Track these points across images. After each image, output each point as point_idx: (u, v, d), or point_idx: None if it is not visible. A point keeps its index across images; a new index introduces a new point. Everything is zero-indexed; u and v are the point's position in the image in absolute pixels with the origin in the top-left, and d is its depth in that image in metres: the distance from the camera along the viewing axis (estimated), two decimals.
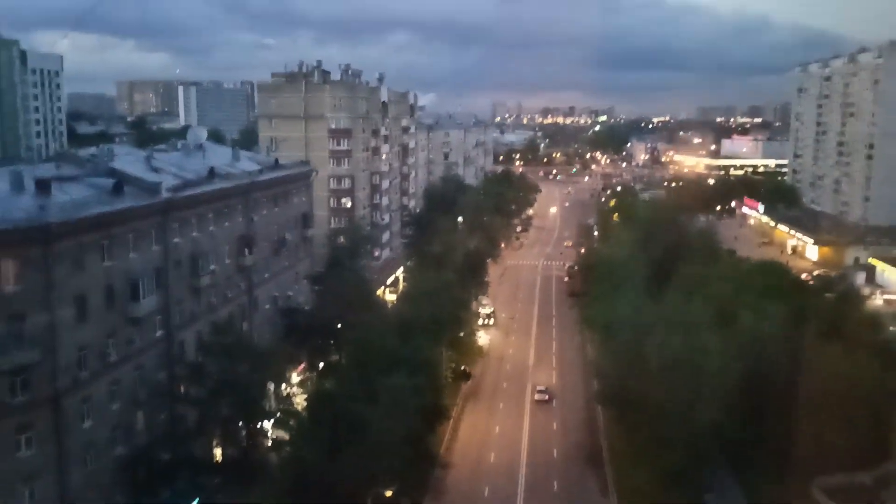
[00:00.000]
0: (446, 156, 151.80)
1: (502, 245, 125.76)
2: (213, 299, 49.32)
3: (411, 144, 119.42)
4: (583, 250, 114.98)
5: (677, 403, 41.81)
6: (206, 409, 41.02)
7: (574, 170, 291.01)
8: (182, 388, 42.80)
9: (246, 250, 53.86)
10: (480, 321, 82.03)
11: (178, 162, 52.10)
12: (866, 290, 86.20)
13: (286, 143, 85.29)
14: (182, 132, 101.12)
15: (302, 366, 58.33)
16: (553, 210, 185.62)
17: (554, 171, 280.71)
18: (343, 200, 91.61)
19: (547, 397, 64.89)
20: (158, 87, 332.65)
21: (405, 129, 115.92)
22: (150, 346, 41.56)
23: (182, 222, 45.36)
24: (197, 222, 47.45)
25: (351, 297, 59.60)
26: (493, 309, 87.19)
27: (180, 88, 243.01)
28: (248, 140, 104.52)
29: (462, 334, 69.65)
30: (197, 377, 41.88)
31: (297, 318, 59.82)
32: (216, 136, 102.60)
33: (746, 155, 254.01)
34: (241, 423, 43.24)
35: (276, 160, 68.31)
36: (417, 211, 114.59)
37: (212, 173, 51.26)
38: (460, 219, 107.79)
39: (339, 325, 58.33)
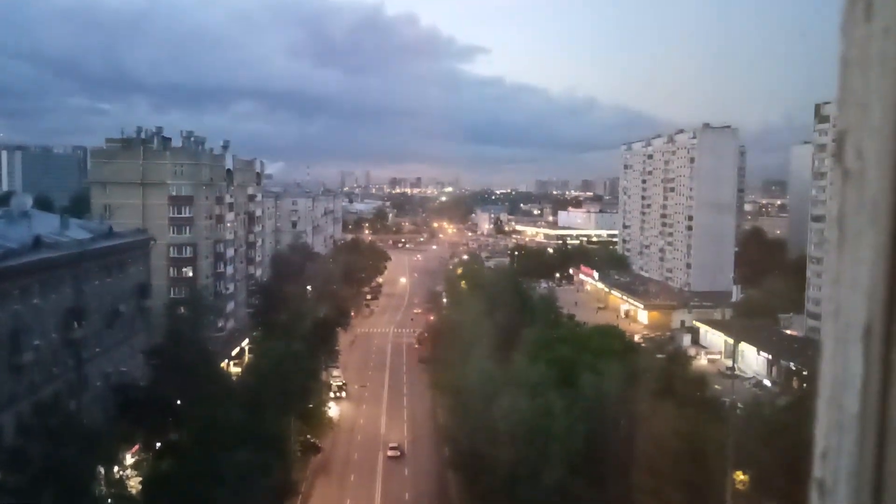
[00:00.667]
0: (294, 224, 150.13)
1: (352, 313, 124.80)
2: (36, 377, 45.44)
3: (258, 212, 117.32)
4: (432, 317, 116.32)
5: (526, 465, 42.70)
6: (27, 499, 37.24)
7: (422, 238, 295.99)
8: None
9: (75, 323, 50.32)
10: (332, 394, 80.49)
11: None
12: (692, 351, 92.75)
13: (122, 211, 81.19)
14: (5, 199, 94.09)
15: (137, 446, 54.52)
16: (403, 277, 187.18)
17: (403, 240, 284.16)
18: (184, 270, 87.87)
19: (399, 453, 66.08)
20: None
21: (251, 197, 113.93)
22: None
23: (2, 294, 41.89)
24: (20, 294, 43.97)
25: (192, 370, 56.81)
26: (344, 381, 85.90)
27: (3, 153, 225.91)
28: (80, 207, 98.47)
29: (311, 406, 67.98)
30: (17, 463, 38.10)
31: (131, 395, 56.06)
32: (44, 204, 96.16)
33: (581, 225, 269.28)
34: None
35: (111, 228, 64.96)
36: (264, 280, 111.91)
37: (37, 242, 47.95)
38: (309, 287, 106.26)
39: (178, 401, 55.22)
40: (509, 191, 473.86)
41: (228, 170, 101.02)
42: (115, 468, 47.18)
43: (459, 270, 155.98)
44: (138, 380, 60.44)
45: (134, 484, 46.57)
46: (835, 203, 1.24)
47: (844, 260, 1.17)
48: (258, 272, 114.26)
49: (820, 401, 1.21)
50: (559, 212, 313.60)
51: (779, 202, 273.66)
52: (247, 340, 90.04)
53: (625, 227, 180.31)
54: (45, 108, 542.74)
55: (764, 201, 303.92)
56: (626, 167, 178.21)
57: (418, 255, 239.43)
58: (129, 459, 51.91)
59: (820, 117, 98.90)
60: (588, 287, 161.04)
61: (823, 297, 1.30)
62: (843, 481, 1.14)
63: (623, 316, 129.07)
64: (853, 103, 1.17)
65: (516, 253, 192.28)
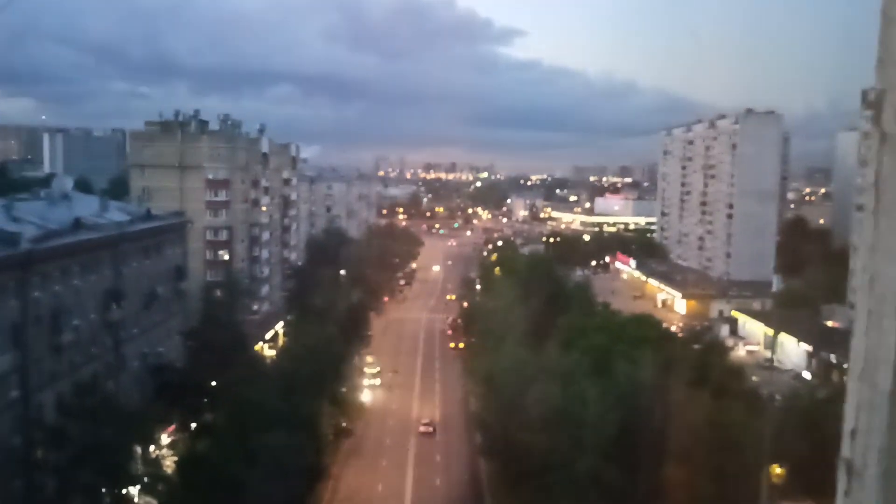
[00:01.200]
0: (329, 208, 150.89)
1: (386, 298, 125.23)
2: (76, 357, 46.23)
3: (293, 196, 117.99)
4: (465, 303, 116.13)
5: (558, 453, 42.36)
6: (66, 476, 38.03)
7: (456, 224, 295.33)
8: (40, 454, 39.63)
9: (113, 305, 51.03)
10: (366, 381, 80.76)
11: (41, 212, 49.20)
12: (730, 342, 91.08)
13: (160, 194, 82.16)
14: (46, 181, 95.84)
15: (173, 426, 55.32)
16: (436, 264, 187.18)
17: (437, 225, 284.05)
18: (220, 253, 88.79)
19: (432, 429, 67.70)
20: (21, 133, 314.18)
21: (287, 181, 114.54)
22: (5, 409, 38.32)
23: (44, 275, 42.58)
24: (60, 275, 44.67)
25: (227, 352, 57.41)
26: (378, 368, 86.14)
27: (45, 135, 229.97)
28: (118, 190, 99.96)
29: (344, 390, 68.32)
30: (57, 441, 38.92)
31: (168, 376, 56.87)
32: (84, 186, 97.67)
33: (618, 213, 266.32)
34: (104, 490, 40.31)
35: (149, 210, 65.74)
36: (299, 264, 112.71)
37: (78, 224, 48.66)
38: (343, 272, 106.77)
39: (213, 383, 55.89)
40: (545, 176, 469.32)
41: (264, 153, 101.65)
42: (152, 447, 47.96)
43: (493, 257, 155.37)
44: (175, 361, 61.26)
45: (170, 463, 47.28)
46: (871, 168, 1.15)
47: (881, 227, 1.07)
48: (293, 256, 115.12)
49: (851, 377, 1.12)
50: (596, 198, 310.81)
51: (823, 190, 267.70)
52: (281, 323, 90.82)
53: (663, 214, 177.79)
54: (87, 93, 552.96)
55: (807, 189, 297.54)
56: (665, 153, 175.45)
57: (452, 241, 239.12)
58: (166, 439, 52.70)
59: (867, 103, 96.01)
60: (625, 275, 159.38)
61: (857, 268, 1.18)
62: (873, 462, 1.06)
63: (660, 305, 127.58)
64: (894, 62, 1.09)
65: (551, 240, 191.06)
